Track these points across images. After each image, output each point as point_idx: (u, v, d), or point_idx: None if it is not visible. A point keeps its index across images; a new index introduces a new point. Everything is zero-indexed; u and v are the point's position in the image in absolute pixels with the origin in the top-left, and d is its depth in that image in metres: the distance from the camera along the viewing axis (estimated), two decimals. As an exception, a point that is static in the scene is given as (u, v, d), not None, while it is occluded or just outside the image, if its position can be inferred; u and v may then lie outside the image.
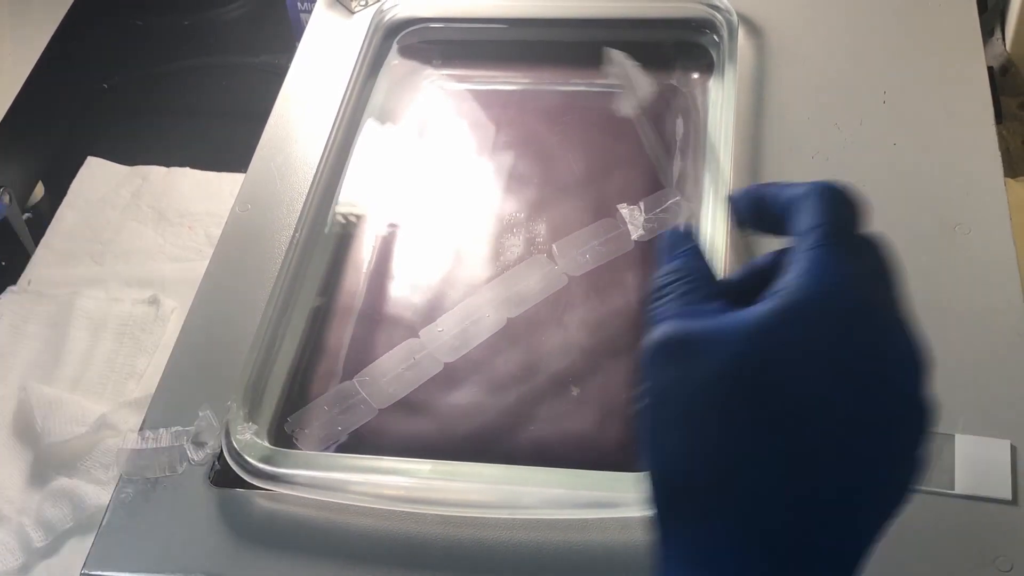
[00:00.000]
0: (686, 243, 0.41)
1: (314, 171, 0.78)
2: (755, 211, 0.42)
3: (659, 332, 0.36)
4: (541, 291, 0.71)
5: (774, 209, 0.40)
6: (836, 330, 0.35)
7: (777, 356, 0.34)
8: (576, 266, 0.72)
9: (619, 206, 0.74)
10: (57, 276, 1.07)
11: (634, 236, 0.73)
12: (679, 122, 0.82)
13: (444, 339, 0.69)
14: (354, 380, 0.67)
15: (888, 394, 0.35)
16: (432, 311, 0.71)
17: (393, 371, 0.67)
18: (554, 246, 0.73)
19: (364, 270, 0.75)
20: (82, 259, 1.09)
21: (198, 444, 0.64)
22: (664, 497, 0.35)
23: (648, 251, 0.73)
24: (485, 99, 0.86)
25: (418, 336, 0.69)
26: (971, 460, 0.59)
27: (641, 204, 0.74)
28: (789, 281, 0.36)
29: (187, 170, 1.16)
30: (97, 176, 1.18)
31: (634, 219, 0.73)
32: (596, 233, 0.73)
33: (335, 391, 0.67)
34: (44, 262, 1.09)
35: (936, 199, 0.72)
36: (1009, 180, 1.03)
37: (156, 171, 1.17)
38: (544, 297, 0.71)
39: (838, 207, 0.38)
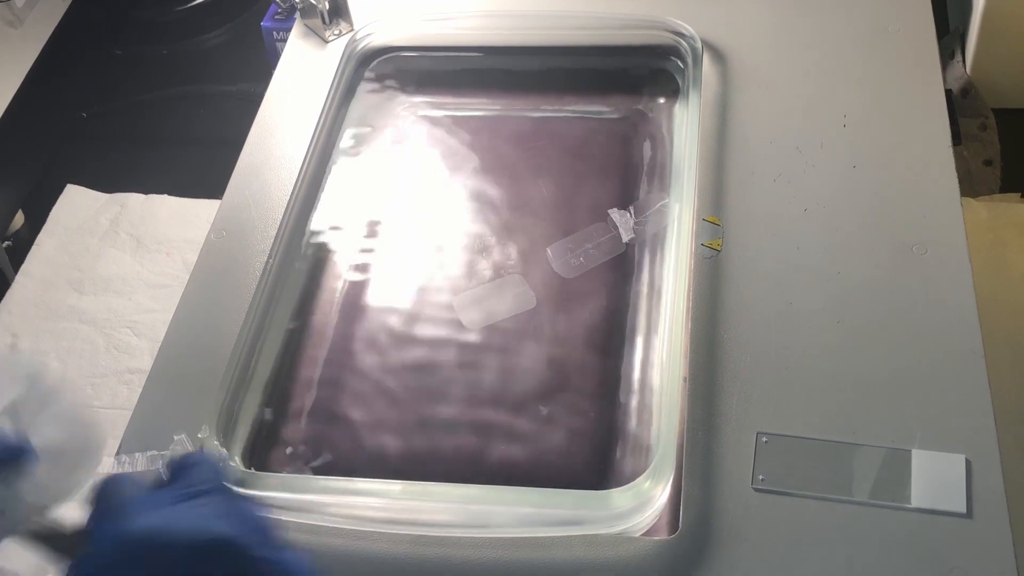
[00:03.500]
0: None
1: (288, 197, 0.79)
2: None
3: None
4: (508, 309, 0.72)
5: None
6: None
7: None
8: (569, 269, 0.74)
9: (610, 211, 0.75)
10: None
11: (625, 239, 0.75)
12: (646, 145, 0.83)
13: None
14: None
15: None
16: (403, 333, 0.73)
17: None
18: (548, 249, 0.75)
19: (337, 294, 0.76)
20: (61, 286, 1.10)
21: (173, 468, 0.65)
22: None
23: (630, 260, 0.74)
24: (456, 125, 0.88)
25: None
26: (927, 474, 0.60)
27: (631, 208, 0.76)
28: None
29: (165, 197, 1.18)
30: (76, 204, 1.19)
31: (624, 223, 0.75)
32: (589, 236, 0.75)
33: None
34: (23, 289, 1.10)
35: (894, 219, 0.74)
36: (970, 199, 1.06)
37: (134, 198, 1.18)
38: (511, 315, 0.72)
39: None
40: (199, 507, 0.40)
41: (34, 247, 1.14)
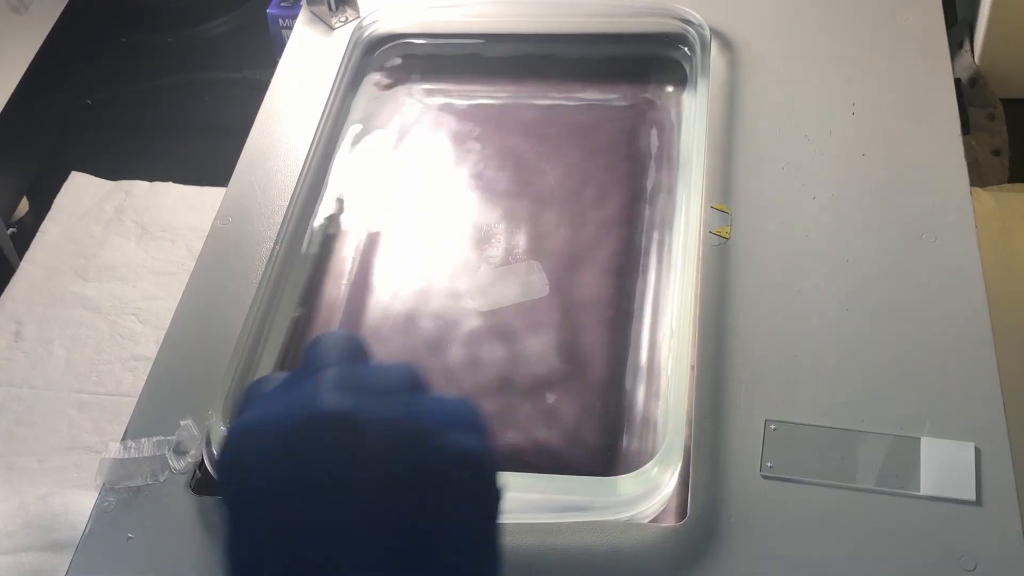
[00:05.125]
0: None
1: (294, 184, 0.79)
2: None
3: None
4: (521, 294, 0.72)
5: None
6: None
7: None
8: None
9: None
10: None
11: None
12: (654, 133, 0.83)
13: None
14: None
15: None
16: (411, 321, 0.73)
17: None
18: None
19: (344, 282, 0.76)
20: (66, 273, 1.10)
21: (180, 453, 0.65)
22: None
23: (638, 248, 0.74)
24: (463, 113, 0.88)
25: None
26: (936, 462, 0.60)
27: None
28: None
29: (170, 184, 1.18)
30: (81, 191, 1.19)
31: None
32: None
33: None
34: (28, 276, 1.10)
35: (903, 208, 0.74)
36: (978, 189, 1.05)
37: (139, 186, 1.18)
38: (524, 300, 0.72)
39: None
40: (309, 386, 0.37)
41: (38, 234, 1.14)
